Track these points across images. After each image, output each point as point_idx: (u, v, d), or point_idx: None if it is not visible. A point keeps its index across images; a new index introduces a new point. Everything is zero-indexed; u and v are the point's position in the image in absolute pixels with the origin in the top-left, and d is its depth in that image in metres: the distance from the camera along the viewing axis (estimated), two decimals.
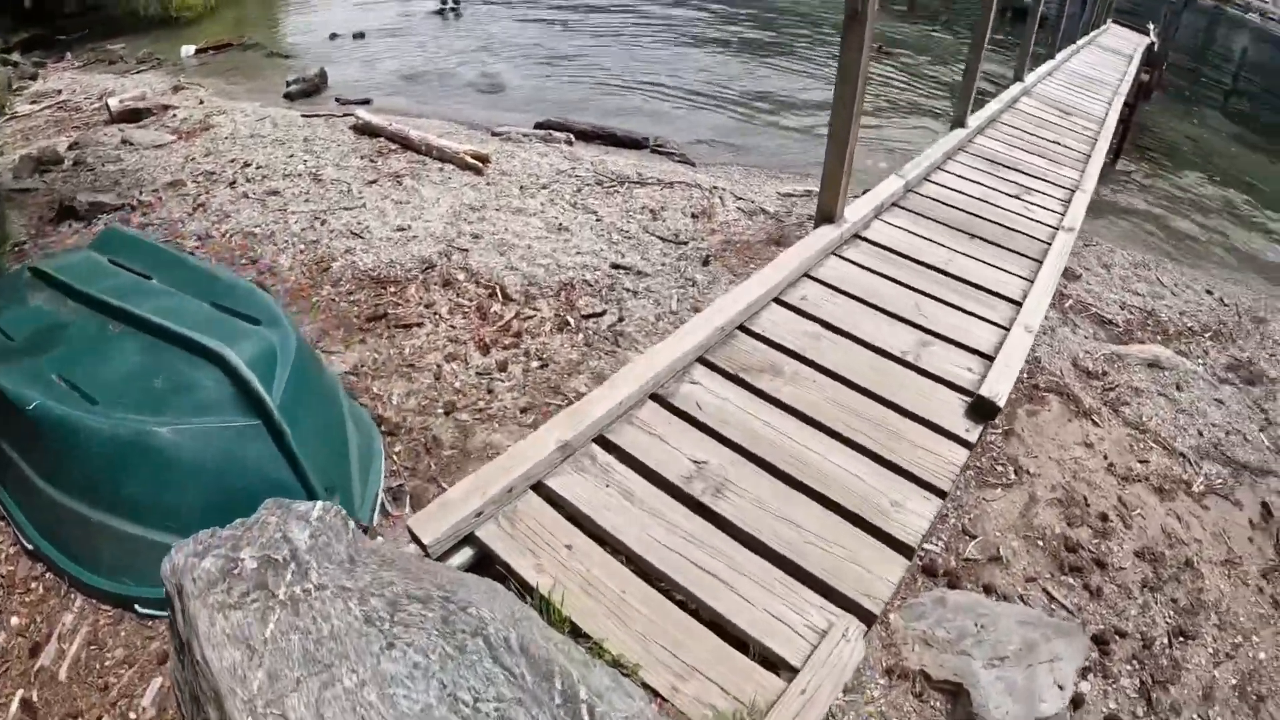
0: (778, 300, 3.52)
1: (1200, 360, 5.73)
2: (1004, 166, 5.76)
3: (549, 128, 8.99)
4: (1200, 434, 4.75)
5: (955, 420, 2.97)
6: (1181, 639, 3.73)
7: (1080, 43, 12.55)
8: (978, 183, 5.34)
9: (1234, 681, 3.76)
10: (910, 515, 2.59)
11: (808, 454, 2.74)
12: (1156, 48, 14.28)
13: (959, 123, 6.16)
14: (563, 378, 4.31)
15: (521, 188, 6.63)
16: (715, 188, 7.32)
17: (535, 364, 4.43)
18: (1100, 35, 14.70)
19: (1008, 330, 3.54)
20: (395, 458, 3.62)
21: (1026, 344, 3.31)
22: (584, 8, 16.58)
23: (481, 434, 3.81)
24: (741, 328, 3.29)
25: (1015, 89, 7.86)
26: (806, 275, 3.76)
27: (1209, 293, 7.29)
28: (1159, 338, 5.94)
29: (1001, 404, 2.92)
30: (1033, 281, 4.04)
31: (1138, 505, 4.08)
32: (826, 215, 4.08)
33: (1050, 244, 4.54)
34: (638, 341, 4.68)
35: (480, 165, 6.90)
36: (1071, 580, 3.65)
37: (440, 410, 3.75)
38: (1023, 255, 4.39)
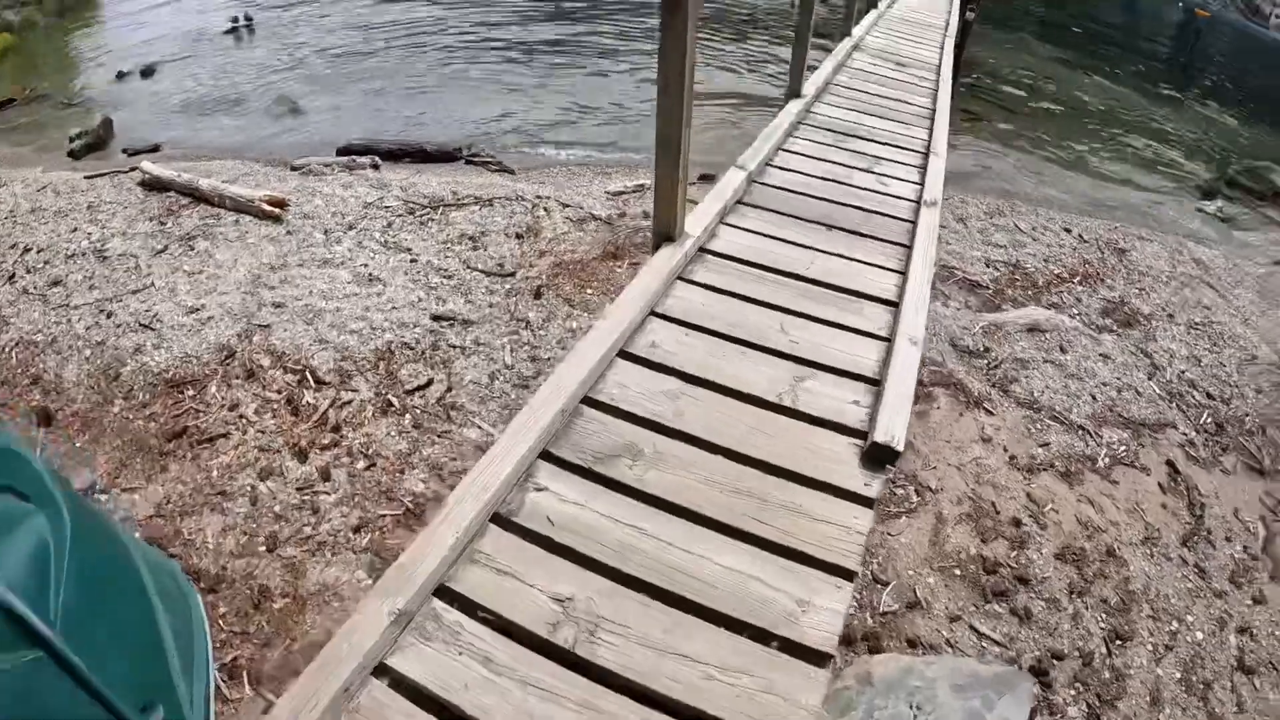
0: (624, 354, 3.10)
1: (1075, 311, 5.78)
2: (849, 136, 5.57)
3: (352, 152, 8.22)
4: (1094, 398, 4.72)
5: (850, 473, 2.65)
6: (1119, 642, 3.63)
7: None
8: (826, 160, 5.12)
9: (1178, 675, 3.70)
10: (821, 613, 2.25)
11: (691, 561, 2.35)
12: None
13: (794, 93, 5.93)
14: (394, 477, 3.77)
15: (326, 232, 5.92)
16: (539, 197, 6.84)
17: (361, 464, 3.86)
18: None
19: (890, 343, 3.25)
20: (221, 622, 3.01)
21: (914, 361, 3.04)
22: (387, 9, 15.61)
23: (314, 572, 3.25)
24: (587, 400, 2.84)
25: (846, 44, 7.81)
26: (653, 314, 3.36)
27: (1067, 230, 7.49)
28: (1030, 292, 5.97)
29: (900, 446, 2.63)
30: (905, 273, 3.80)
31: (1048, 499, 3.94)
32: (665, 234, 3.68)
33: (915, 222, 4.33)
34: (473, 413, 4.18)
35: (278, 212, 6.12)
36: (997, 607, 3.45)
37: (263, 546, 3.17)
38: (888, 241, 4.16)
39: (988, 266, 6.13)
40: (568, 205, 6.70)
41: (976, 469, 3.88)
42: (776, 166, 4.96)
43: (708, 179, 7.44)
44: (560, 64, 12.77)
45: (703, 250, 3.89)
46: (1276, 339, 6.83)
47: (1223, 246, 9.38)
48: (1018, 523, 3.74)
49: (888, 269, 3.89)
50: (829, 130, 5.69)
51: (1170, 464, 4.52)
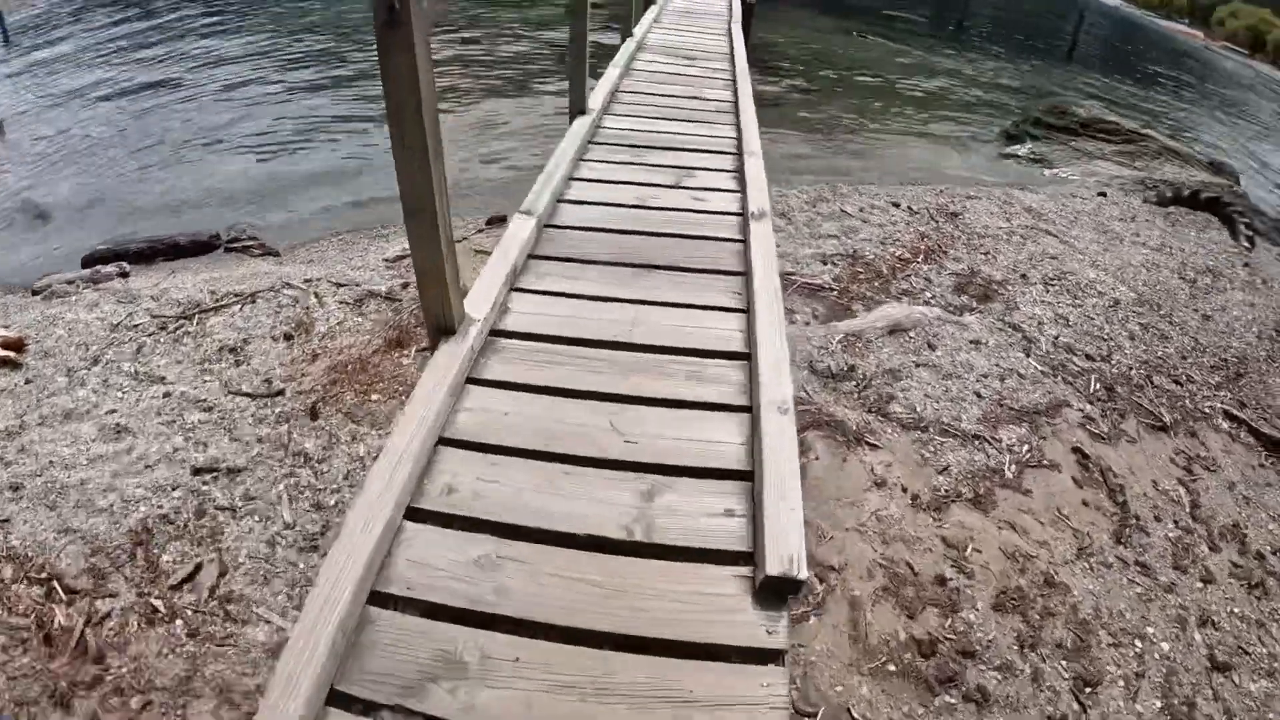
0: (413, 513, 2.40)
1: (930, 296, 5.55)
2: (650, 149, 5.09)
3: (98, 261, 7.09)
4: (979, 395, 4.43)
5: (744, 623, 2.07)
6: (1089, 690, 3.25)
7: None
8: (628, 182, 4.60)
9: (1158, 705, 3.38)
10: None
11: None
12: None
13: (579, 109, 5.42)
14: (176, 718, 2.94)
15: (70, 372, 4.86)
16: (309, 281, 6.03)
17: (135, 702, 3.00)
18: None
19: (753, 414, 2.72)
20: None
21: (789, 435, 2.51)
22: (141, 72, 14.07)
23: None
24: (374, 598, 2.14)
25: (628, 45, 7.46)
26: (443, 441, 2.68)
27: (895, 205, 7.40)
28: (877, 284, 5.71)
29: (802, 571, 2.09)
30: (749, 310, 3.30)
31: (966, 538, 3.54)
32: (441, 327, 3.02)
33: (746, 241, 3.86)
34: (256, 603, 3.38)
35: (14, 356, 4.99)
36: (948, 697, 3.00)
37: None
38: (720, 272, 3.66)
39: (825, 264, 5.83)
40: (342, 284, 5.94)
41: (879, 525, 3.43)
42: (571, 201, 4.39)
43: (499, 222, 6.86)
44: (324, 116, 11.84)
45: (495, 334, 3.24)
46: (1129, 275, 6.94)
47: (1046, 188, 9.76)
48: (942, 580, 3.30)
49: (727, 309, 3.38)
50: (626, 145, 5.20)
51: (1077, 450, 4.28)
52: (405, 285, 5.92)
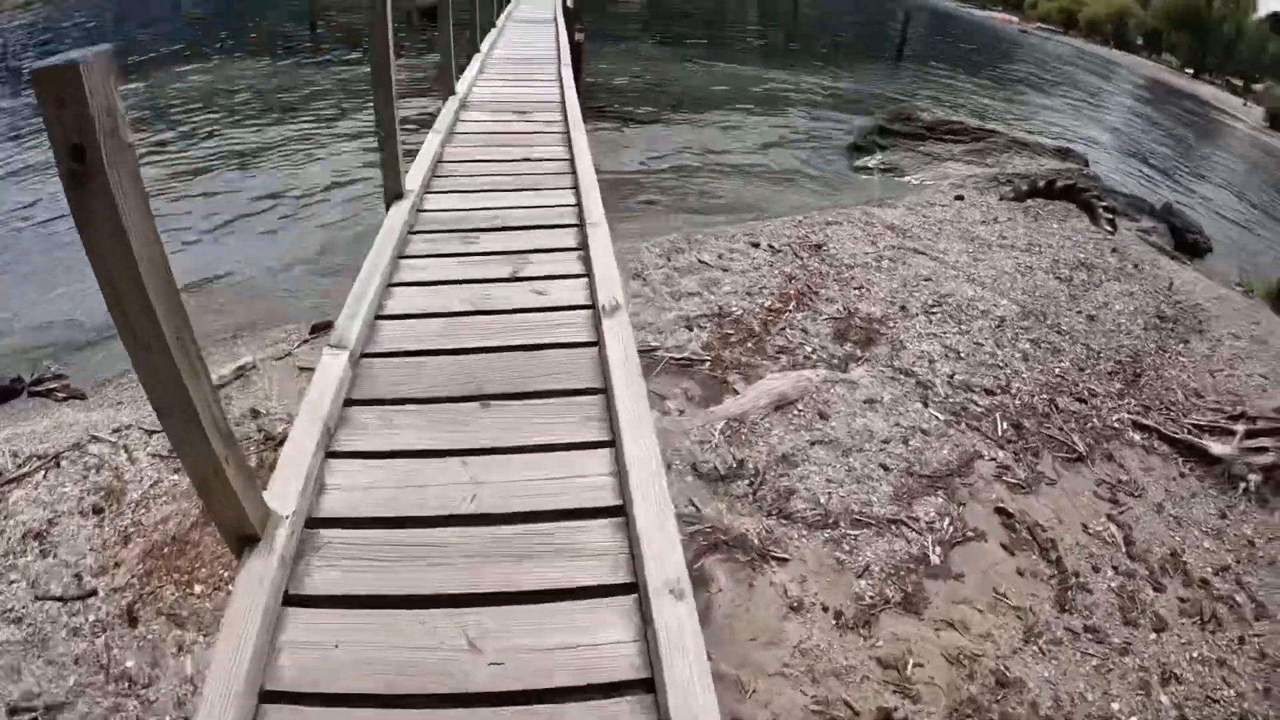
0: None
1: (810, 351, 5.32)
2: (481, 232, 4.59)
3: None
4: (885, 468, 4.17)
5: None
6: None
7: (500, 24, 12.46)
8: (456, 281, 4.09)
9: None
10: None
11: None
12: (570, 3, 15.30)
13: (395, 194, 4.90)
14: None
15: None
16: (118, 430, 5.29)
17: None
18: (515, 10, 15.15)
19: (640, 597, 2.28)
20: None
21: (691, 627, 2.09)
22: None
23: None
24: None
25: (450, 105, 7.02)
26: (264, 696, 2.14)
27: (755, 245, 7.22)
28: (751, 344, 5.42)
29: None
30: (615, 442, 2.86)
31: (903, 654, 3.21)
32: (241, 534, 2.47)
33: (600, 343, 3.44)
34: None
35: None
36: None
37: None
38: (574, 392, 3.19)
39: (691, 329, 5.52)
40: (154, 430, 5.25)
41: (805, 662, 3.05)
42: (392, 317, 3.86)
43: (324, 329, 6.26)
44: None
45: (314, 524, 2.70)
46: (1006, 285, 6.92)
47: (905, 200, 9.84)
48: (887, 715, 2.91)
49: (589, 444, 2.91)
50: (453, 231, 4.71)
51: (1000, 510, 4.04)
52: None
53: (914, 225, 8.38)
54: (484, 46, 10.17)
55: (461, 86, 7.79)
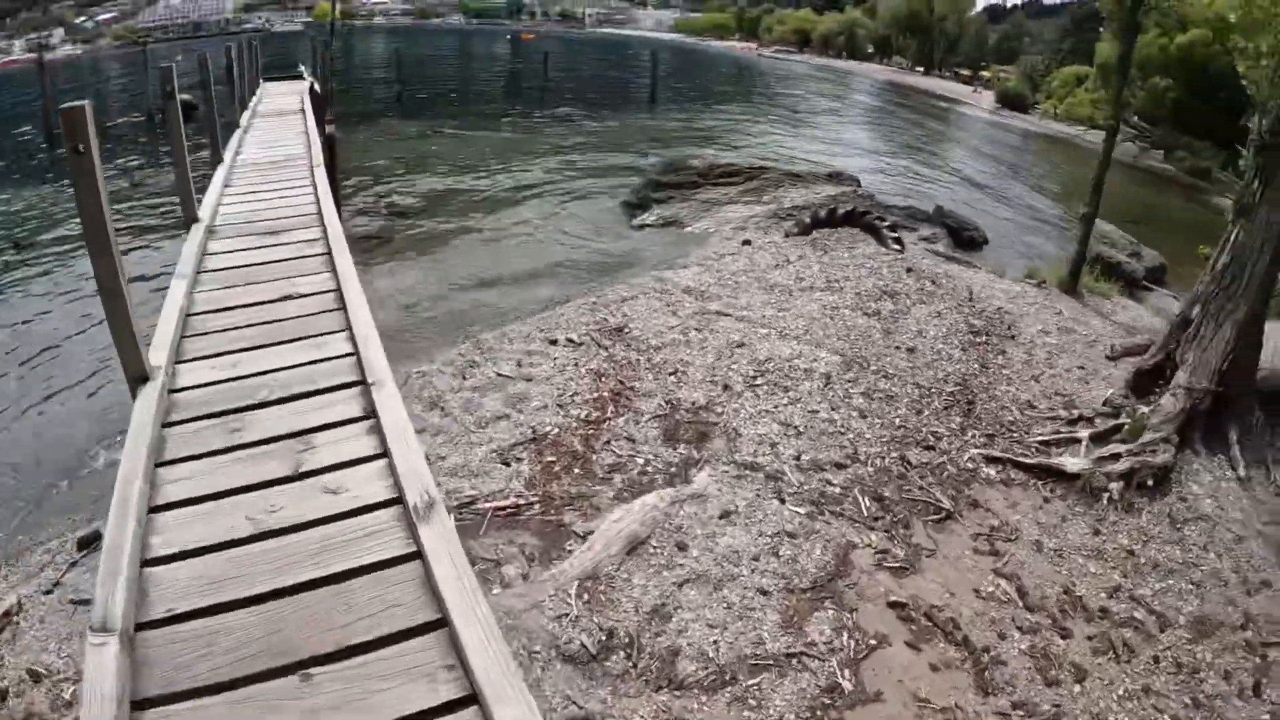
0: None
1: (644, 463, 5.04)
2: (247, 411, 3.95)
3: None
4: (764, 593, 4.06)
5: None
6: None
7: (245, 121, 11.58)
8: (228, 491, 3.41)
9: None
10: None
11: None
12: (319, 89, 14.75)
13: (139, 377, 4.16)
14: None
15: None
16: None
17: None
18: (260, 104, 14.27)
19: None
20: None
21: None
22: None
23: None
24: None
25: (194, 239, 6.31)
26: None
27: (552, 342, 7.07)
28: (578, 466, 5.20)
29: None
30: (477, 697, 2.40)
31: None
32: None
33: (423, 556, 2.95)
34: None
35: None
36: None
37: None
38: (407, 635, 2.70)
39: (508, 464, 5.21)
40: None
41: None
42: (161, 560, 3.12)
43: (93, 542, 5.40)
44: None
45: None
46: (819, 333, 7.01)
47: (694, 256, 9.91)
48: None
49: (444, 709, 2.44)
50: (216, 417, 4.02)
51: (893, 605, 3.96)
52: None
53: (710, 284, 8.42)
54: (228, 152, 9.34)
55: (206, 209, 7.00)
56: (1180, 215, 29.96)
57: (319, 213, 7.09)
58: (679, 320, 7.34)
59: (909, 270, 9.13)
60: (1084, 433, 6.06)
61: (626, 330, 7.12)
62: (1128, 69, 9.13)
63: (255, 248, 6.39)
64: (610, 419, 5.59)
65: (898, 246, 10.12)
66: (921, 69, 65.21)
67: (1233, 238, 6.32)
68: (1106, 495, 5.37)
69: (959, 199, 18.45)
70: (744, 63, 66.80)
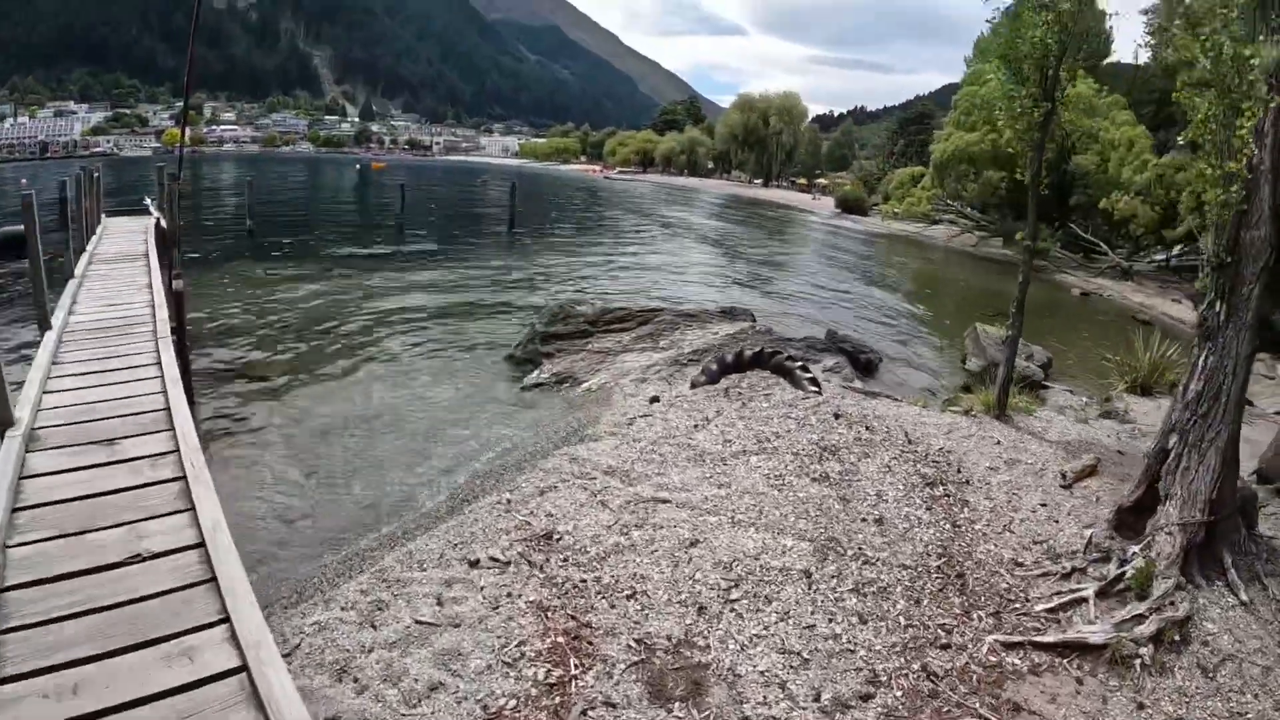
0: None
1: None
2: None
3: None
4: None
5: None
6: None
7: (80, 270, 10.09)
8: None
9: None
10: None
11: None
12: (165, 224, 13.47)
13: None
14: None
15: None
16: None
17: None
18: (101, 244, 12.80)
19: None
20: None
21: None
22: None
23: None
24: None
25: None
26: None
27: (474, 564, 6.11)
28: None
29: None
30: None
31: None
32: None
33: None
34: None
35: None
36: None
37: None
38: None
39: None
40: None
41: None
42: None
43: None
44: None
45: None
46: (775, 516, 6.34)
47: (601, 423, 9.15)
48: None
49: None
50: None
51: None
52: None
53: (632, 459, 7.58)
54: (59, 313, 7.88)
55: (24, 405, 5.58)
56: (1035, 298, 31.18)
57: (167, 407, 5.78)
58: (613, 515, 6.43)
59: (836, 416, 8.55)
60: (1088, 589, 5.58)
61: (556, 537, 6.12)
62: (1038, 189, 9.10)
63: (88, 466, 4.97)
64: (576, 676, 4.59)
65: (814, 388, 9.57)
66: (761, 180, 67.95)
67: (1202, 363, 6.01)
68: (1139, 661, 4.87)
69: (837, 318, 18.45)
70: (591, 185, 67.99)
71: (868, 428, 8.29)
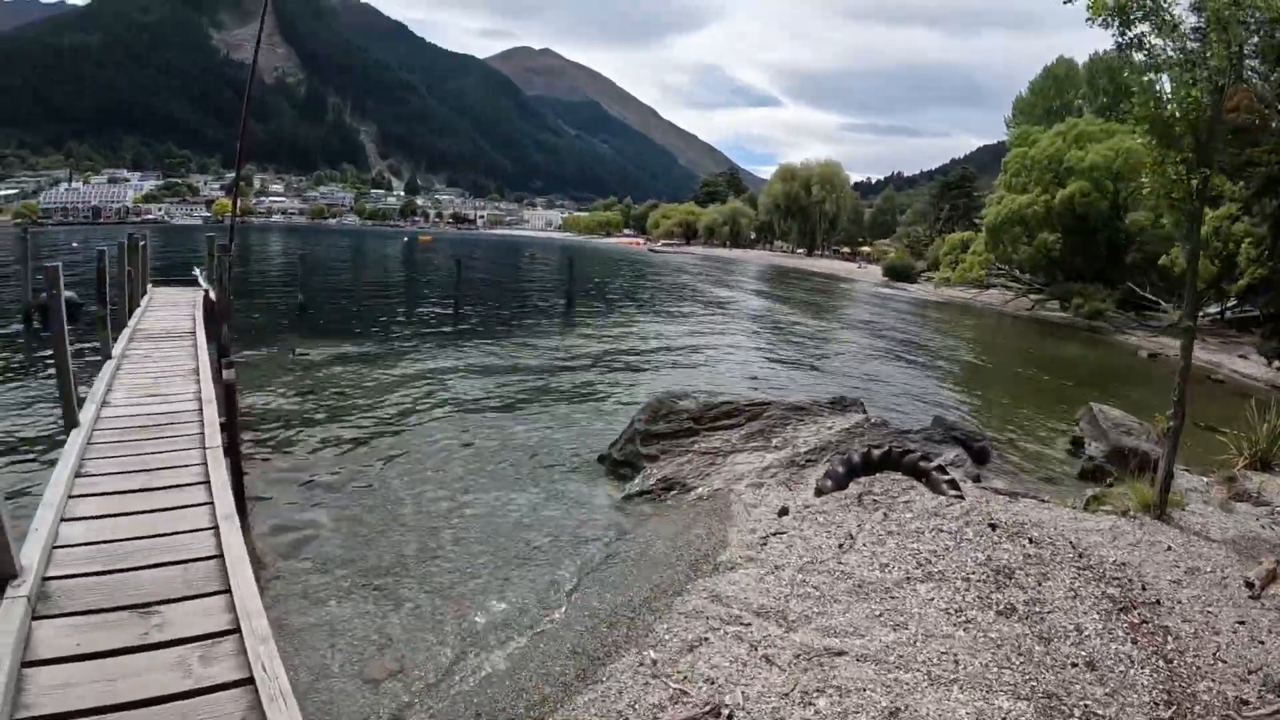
0: None
1: None
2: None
3: None
4: None
5: None
6: None
7: (118, 349, 9.48)
8: None
9: None
10: None
11: None
12: (215, 296, 12.97)
13: None
14: None
15: None
16: None
17: None
18: (145, 316, 12.28)
19: None
20: None
21: None
22: None
23: None
24: None
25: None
26: None
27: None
28: None
29: None
30: None
31: None
32: None
33: None
34: None
35: None
36: None
37: None
38: None
39: None
40: None
41: None
42: None
43: None
44: None
45: None
46: (975, 664, 5.43)
47: (730, 546, 8.24)
48: None
49: None
50: None
51: None
52: None
53: (784, 595, 6.66)
54: (89, 407, 6.90)
55: (35, 541, 4.59)
56: (1103, 362, 30.10)
57: (219, 555, 4.75)
58: (784, 674, 5.49)
59: (992, 526, 7.65)
60: None
61: (726, 712, 5.13)
62: (1196, 262, 8.40)
63: (115, 651, 3.81)
64: None
65: (955, 491, 8.67)
66: (804, 250, 67.48)
67: None
68: None
69: (929, 397, 17.51)
70: (636, 257, 67.92)
71: (1030, 540, 7.39)
